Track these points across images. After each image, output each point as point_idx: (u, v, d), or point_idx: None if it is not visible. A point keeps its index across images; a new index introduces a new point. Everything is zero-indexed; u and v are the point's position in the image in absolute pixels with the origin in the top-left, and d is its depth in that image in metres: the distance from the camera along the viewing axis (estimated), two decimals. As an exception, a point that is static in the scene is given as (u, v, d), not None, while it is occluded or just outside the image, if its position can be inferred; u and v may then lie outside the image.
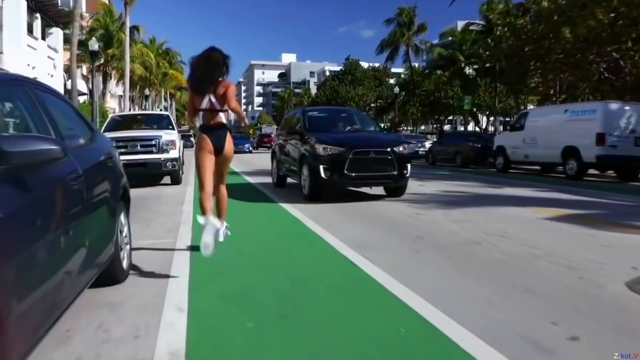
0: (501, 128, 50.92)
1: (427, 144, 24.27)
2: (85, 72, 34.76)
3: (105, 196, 3.39)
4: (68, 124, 3.38)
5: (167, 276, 3.96)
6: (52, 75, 21.91)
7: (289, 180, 10.47)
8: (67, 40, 30.68)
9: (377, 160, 7.94)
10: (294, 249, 4.96)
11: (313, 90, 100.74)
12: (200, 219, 3.99)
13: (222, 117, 4.21)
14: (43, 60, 21.16)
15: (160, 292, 3.56)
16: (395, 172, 7.97)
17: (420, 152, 23.69)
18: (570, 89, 22.54)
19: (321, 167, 7.81)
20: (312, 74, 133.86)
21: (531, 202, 8.30)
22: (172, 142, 11.38)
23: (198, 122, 4.34)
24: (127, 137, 11.22)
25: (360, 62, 63.41)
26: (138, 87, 40.46)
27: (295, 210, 7.18)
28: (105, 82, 34.26)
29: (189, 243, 5.18)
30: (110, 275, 3.66)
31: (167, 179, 11.90)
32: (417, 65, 56.58)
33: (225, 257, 4.54)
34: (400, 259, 4.52)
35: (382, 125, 72.03)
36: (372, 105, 63.88)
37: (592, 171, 14.45)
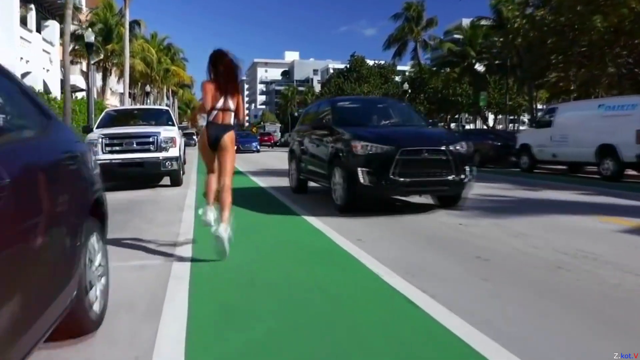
0: (511, 126, 49.93)
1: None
2: (85, 68, 33.70)
3: (60, 214, 2.26)
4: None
5: (157, 321, 2.84)
6: (47, 70, 20.86)
7: (310, 183, 8.93)
8: (64, 34, 29.65)
9: (431, 162, 6.32)
10: (326, 278, 3.79)
11: (317, 88, 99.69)
12: (200, 211, 4.56)
13: (231, 118, 4.45)
14: (38, 53, 20.09)
15: (144, 354, 2.44)
16: (452, 177, 6.31)
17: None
18: (590, 83, 21.31)
19: (360, 170, 6.18)
20: (315, 72, 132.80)
21: (590, 209, 7.12)
22: (172, 140, 10.26)
23: (202, 121, 4.59)
24: (122, 134, 10.10)
25: (366, 60, 62.25)
26: (139, 84, 39.39)
27: (322, 224, 5.83)
28: (105, 78, 33.17)
29: (189, 267, 4.05)
30: (74, 323, 2.55)
31: (166, 180, 10.79)
32: (424, 62, 55.54)
33: (236, 289, 3.42)
34: (468, 292, 3.39)
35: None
36: (378, 103, 62.78)
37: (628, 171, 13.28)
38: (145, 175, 10.39)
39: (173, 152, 10.20)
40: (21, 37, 18.43)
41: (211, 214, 4.42)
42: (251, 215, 6.60)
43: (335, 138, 7.06)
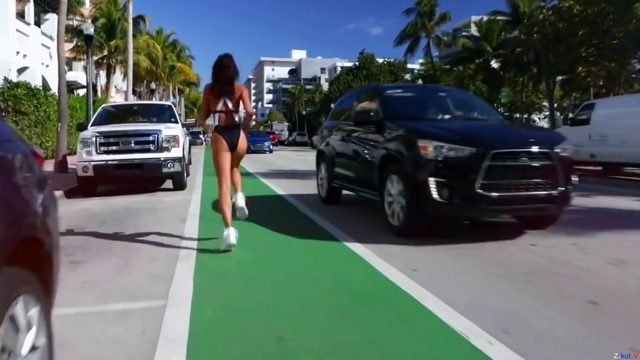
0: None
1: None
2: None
3: None
4: None
5: None
6: (47, 65, 19.86)
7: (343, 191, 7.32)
8: (67, 30, 28.68)
9: (532, 170, 4.55)
10: (382, 338, 2.61)
11: (324, 86, 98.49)
12: (221, 236, 4.42)
13: (236, 118, 4.50)
14: (36, 48, 19.08)
15: None
16: (559, 190, 4.63)
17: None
18: (619, 77, 20.01)
19: (432, 180, 4.56)
20: (322, 70, 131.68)
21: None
22: (175, 138, 9.14)
23: (210, 120, 4.68)
24: (119, 132, 8.99)
25: (375, 57, 61.01)
26: (145, 82, 38.41)
27: (364, 249, 4.45)
28: (109, 75, 32.18)
29: (188, 319, 2.89)
30: None
31: (168, 183, 9.68)
32: (435, 59, 54.17)
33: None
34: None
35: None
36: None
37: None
38: (145, 179, 9.30)
39: (176, 152, 9.09)
40: (17, 30, 17.41)
41: (233, 236, 4.38)
42: (270, 236, 5.21)
43: (388, 136, 5.37)
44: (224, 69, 4.43)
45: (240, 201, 4.83)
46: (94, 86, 35.04)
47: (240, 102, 4.53)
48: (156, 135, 8.96)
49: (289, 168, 15.85)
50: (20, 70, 18.21)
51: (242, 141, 4.59)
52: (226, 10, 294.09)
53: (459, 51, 37.59)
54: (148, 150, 8.91)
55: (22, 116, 14.86)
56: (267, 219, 6.10)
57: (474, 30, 39.43)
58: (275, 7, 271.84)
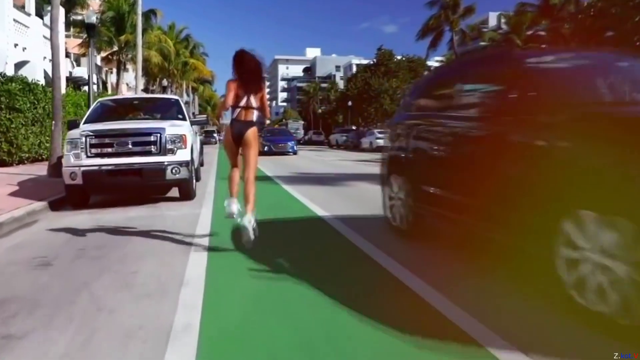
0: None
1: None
2: (99, 62, 31.45)
3: None
4: None
5: None
6: (50, 60, 18.47)
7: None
8: (75, 24, 27.36)
9: None
10: None
11: (340, 84, 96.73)
12: (226, 202, 4.52)
13: (254, 115, 4.47)
14: (37, 40, 17.67)
15: None
16: None
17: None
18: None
19: None
20: (337, 68, 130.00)
21: None
22: (181, 138, 7.55)
23: (225, 119, 5.07)
24: (114, 131, 7.41)
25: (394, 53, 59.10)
26: (158, 79, 37.05)
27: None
28: (119, 72, 30.84)
29: None
30: None
31: (175, 191, 8.10)
32: (452, 55, 52.13)
33: None
34: None
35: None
36: (406, 98, 59.58)
37: None
38: (145, 187, 7.72)
39: (182, 154, 7.49)
40: (15, 21, 16.00)
41: (235, 206, 4.44)
42: (330, 317, 2.84)
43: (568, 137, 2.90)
44: (253, 68, 4.44)
45: (248, 222, 4.16)
46: (104, 83, 33.79)
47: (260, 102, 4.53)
48: (159, 135, 7.36)
49: (313, 171, 14.18)
50: (20, 65, 16.82)
51: (251, 132, 4.45)
52: (239, 8, 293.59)
53: (485, 46, 35.59)
54: (149, 153, 7.32)
55: (16, 113, 13.41)
56: (317, 274, 3.66)
57: (492, 24, 37.47)
58: (289, 5, 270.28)
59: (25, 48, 16.42)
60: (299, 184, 10.19)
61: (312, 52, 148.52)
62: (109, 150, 7.25)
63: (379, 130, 33.98)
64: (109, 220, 6.21)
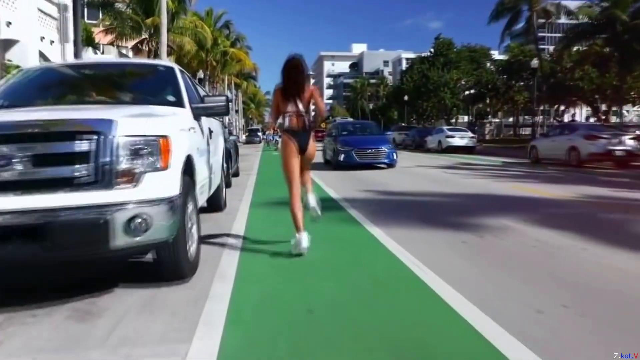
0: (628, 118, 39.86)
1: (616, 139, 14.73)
2: (127, 52, 27.87)
3: None
4: None
5: None
6: (52, 42, 14.74)
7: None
8: (95, 4, 23.73)
9: None
10: None
11: (389, 79, 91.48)
12: (293, 240, 4.13)
13: (306, 121, 4.29)
14: (30, 15, 13.88)
15: None
16: None
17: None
18: None
19: None
20: (385, 63, 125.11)
21: None
22: (155, 146, 3.11)
23: (280, 121, 4.44)
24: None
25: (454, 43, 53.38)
26: (193, 71, 33.19)
27: None
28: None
29: None
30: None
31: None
32: (516, 42, 46.08)
33: None
34: None
35: (470, 117, 61.81)
36: (467, 93, 53.88)
37: None
38: (61, 265, 3.31)
39: (157, 183, 3.08)
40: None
41: (305, 241, 4.14)
42: None
43: None
44: (293, 70, 4.29)
45: (312, 201, 4.54)
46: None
47: (311, 103, 4.39)
48: (95, 139, 2.93)
49: (397, 187, 9.49)
50: (5, 44, 13.06)
51: (312, 145, 4.38)
52: (283, 6, 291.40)
53: (576, 25, 29.79)
54: (69, 185, 2.90)
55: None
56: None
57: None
58: (332, 2, 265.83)
59: (10, 23, 12.66)
60: (397, 222, 5.56)
61: (359, 48, 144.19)
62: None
63: (450, 127, 28.85)
64: None
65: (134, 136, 3.06)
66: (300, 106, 4.28)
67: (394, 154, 14.08)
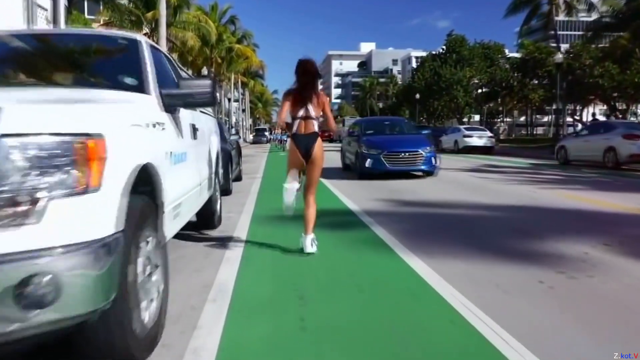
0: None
1: None
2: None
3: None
4: None
5: None
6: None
7: None
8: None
9: None
10: None
11: (398, 78, 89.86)
12: (286, 185, 4.14)
13: (315, 126, 4.18)
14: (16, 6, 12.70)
15: None
16: None
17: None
18: None
19: None
20: (395, 62, 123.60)
21: None
22: (84, 148, 1.78)
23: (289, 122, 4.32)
24: None
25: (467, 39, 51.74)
26: (198, 69, 31.95)
27: None
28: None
29: None
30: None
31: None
32: (529, 40, 44.44)
33: None
34: None
35: (481, 117, 60.07)
36: (480, 91, 52.28)
37: None
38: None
39: (77, 218, 1.77)
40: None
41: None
42: None
43: None
44: (306, 74, 4.15)
45: (308, 243, 4.11)
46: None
47: (322, 110, 4.23)
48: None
49: (443, 199, 8.12)
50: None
51: (318, 148, 4.17)
52: (290, 4, 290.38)
53: (598, 18, 28.21)
54: None
55: None
56: None
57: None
58: (339, 1, 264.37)
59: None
60: (441, 248, 4.07)
61: (367, 47, 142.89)
62: None
63: (468, 127, 27.43)
64: None
65: (31, 135, 1.74)
66: (312, 111, 4.15)
67: (435, 158, 10.88)
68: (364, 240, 4.71)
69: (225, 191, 8.25)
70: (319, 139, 4.22)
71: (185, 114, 3.55)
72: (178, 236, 4.15)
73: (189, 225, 4.38)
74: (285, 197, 4.15)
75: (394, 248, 4.34)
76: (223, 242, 4.68)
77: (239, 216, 6.10)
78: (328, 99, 4.50)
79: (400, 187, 9.17)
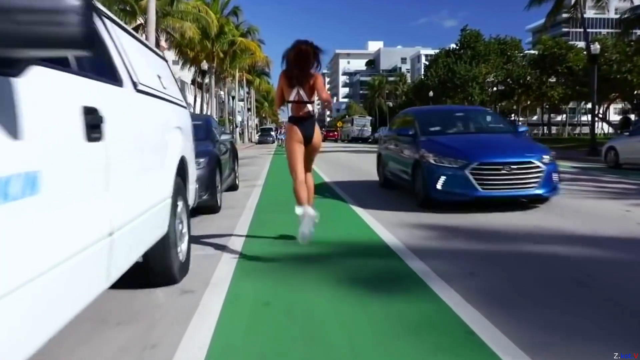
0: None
1: None
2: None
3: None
4: None
5: None
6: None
7: None
8: None
9: None
10: None
11: (407, 77, 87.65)
12: (298, 210, 3.91)
13: (309, 108, 4.16)
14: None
15: None
16: None
17: None
18: None
19: None
20: (403, 60, 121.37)
21: None
22: None
23: (284, 113, 6.95)
24: None
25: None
26: (197, 63, 29.93)
27: None
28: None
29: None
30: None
31: None
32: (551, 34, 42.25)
33: None
34: None
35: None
36: (495, 89, 50.08)
37: None
38: None
39: None
40: None
41: (310, 210, 3.91)
42: None
43: None
44: (297, 56, 4.05)
45: (306, 227, 3.81)
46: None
47: (315, 91, 4.14)
48: None
49: (514, 228, 5.92)
50: None
51: (317, 134, 4.24)
52: (297, 5, 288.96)
53: (634, 7, 25.96)
54: None
55: None
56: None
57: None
58: (346, 0, 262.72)
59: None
60: (562, 337, 2.24)
61: (375, 45, 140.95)
62: None
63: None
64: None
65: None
66: (303, 94, 4.12)
67: (555, 173, 6.34)
68: (423, 314, 2.62)
69: (211, 209, 6.21)
70: (317, 125, 4.26)
71: (58, 86, 1.49)
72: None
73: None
74: (302, 226, 3.78)
75: (488, 342, 2.25)
76: (178, 327, 2.60)
77: (216, 264, 3.89)
78: (321, 77, 4.23)
79: (496, 225, 5.32)
